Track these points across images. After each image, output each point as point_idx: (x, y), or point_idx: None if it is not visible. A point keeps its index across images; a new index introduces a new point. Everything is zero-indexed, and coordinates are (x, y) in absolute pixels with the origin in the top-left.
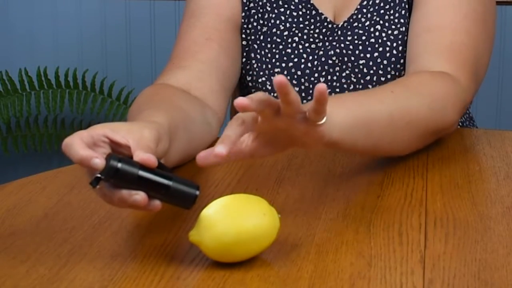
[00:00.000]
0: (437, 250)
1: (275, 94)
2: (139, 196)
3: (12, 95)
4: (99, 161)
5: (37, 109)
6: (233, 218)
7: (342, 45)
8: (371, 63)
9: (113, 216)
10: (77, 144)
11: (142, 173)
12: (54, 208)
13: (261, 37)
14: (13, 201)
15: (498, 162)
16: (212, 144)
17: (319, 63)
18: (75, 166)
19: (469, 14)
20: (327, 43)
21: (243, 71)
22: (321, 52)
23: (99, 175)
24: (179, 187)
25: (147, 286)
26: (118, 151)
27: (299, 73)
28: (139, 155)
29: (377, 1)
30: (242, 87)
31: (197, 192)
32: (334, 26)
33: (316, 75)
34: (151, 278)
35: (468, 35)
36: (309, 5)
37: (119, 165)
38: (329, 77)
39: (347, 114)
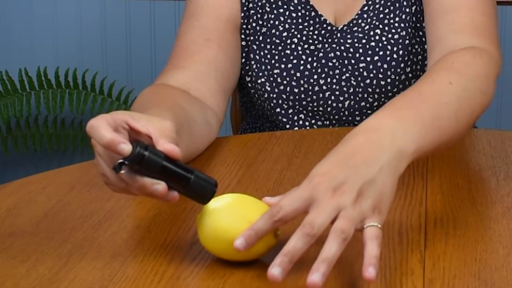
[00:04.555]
0: (437, 250)
1: (274, 95)
2: (161, 186)
3: (12, 95)
4: (126, 147)
5: (37, 109)
6: (240, 218)
7: (342, 47)
8: (371, 67)
9: (113, 216)
10: (104, 126)
11: (166, 163)
12: (54, 208)
13: (260, 38)
14: (13, 201)
15: (498, 162)
16: (212, 144)
17: (318, 65)
18: (75, 166)
19: None
20: (326, 45)
21: (243, 72)
22: (320, 54)
23: (122, 161)
24: (199, 181)
25: (147, 286)
26: (136, 139)
27: (298, 74)
28: (164, 145)
29: (377, 6)
30: (242, 88)
31: (215, 188)
32: (334, 28)
33: (315, 76)
34: (151, 278)
35: (484, 13)
36: (308, 6)
37: (146, 152)
38: (328, 80)
39: (425, 136)
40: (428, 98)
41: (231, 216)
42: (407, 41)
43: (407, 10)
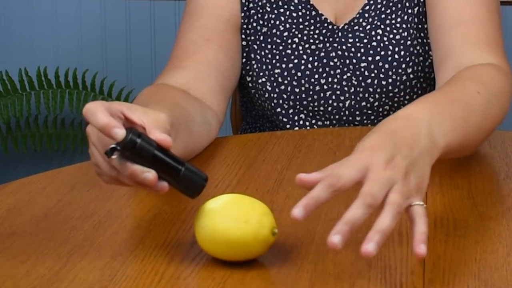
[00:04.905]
0: (437, 250)
1: (275, 95)
2: (151, 174)
3: (12, 95)
4: (120, 131)
5: (37, 109)
6: (236, 218)
7: (344, 47)
8: (372, 66)
9: (113, 216)
10: (101, 110)
11: (157, 152)
12: (54, 208)
13: (261, 38)
14: (13, 201)
15: (498, 162)
16: (212, 144)
17: (319, 65)
18: (75, 166)
19: (488, 7)
20: (327, 45)
21: (243, 72)
22: (322, 54)
23: (115, 146)
24: (189, 174)
25: (147, 286)
26: (131, 127)
27: (299, 74)
28: (156, 134)
29: (379, 6)
30: (242, 88)
31: (205, 183)
32: (335, 28)
33: (316, 76)
34: (151, 278)
35: (494, 26)
36: (308, 6)
37: (139, 140)
38: (329, 79)
39: (454, 137)
40: (459, 101)
41: (227, 217)
42: (408, 42)
43: (410, 11)
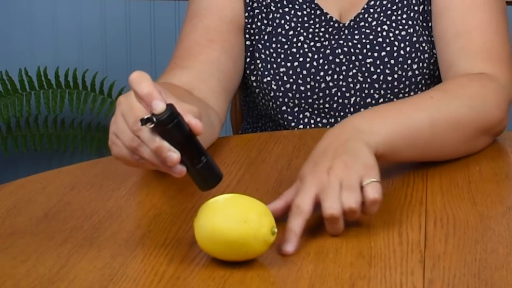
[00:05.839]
0: (437, 250)
1: (280, 94)
2: (176, 154)
3: (12, 95)
4: (161, 104)
5: (37, 109)
6: (235, 218)
7: (350, 43)
8: (378, 62)
9: (113, 216)
10: (147, 80)
11: (188, 136)
12: (54, 208)
13: (266, 37)
14: (13, 201)
15: (498, 162)
16: (213, 144)
17: (325, 62)
18: (75, 166)
19: (492, 11)
20: (333, 42)
21: (247, 71)
22: (327, 51)
23: (151, 117)
24: (209, 167)
25: (147, 286)
26: (170, 104)
27: (304, 72)
28: (189, 117)
29: (384, 2)
30: (245, 87)
31: (220, 179)
32: (341, 25)
33: (322, 73)
34: (151, 278)
35: (497, 31)
36: (313, 5)
37: (176, 119)
38: (335, 76)
39: (393, 129)
40: (401, 103)
41: (226, 217)
42: (414, 38)
43: (416, 8)
